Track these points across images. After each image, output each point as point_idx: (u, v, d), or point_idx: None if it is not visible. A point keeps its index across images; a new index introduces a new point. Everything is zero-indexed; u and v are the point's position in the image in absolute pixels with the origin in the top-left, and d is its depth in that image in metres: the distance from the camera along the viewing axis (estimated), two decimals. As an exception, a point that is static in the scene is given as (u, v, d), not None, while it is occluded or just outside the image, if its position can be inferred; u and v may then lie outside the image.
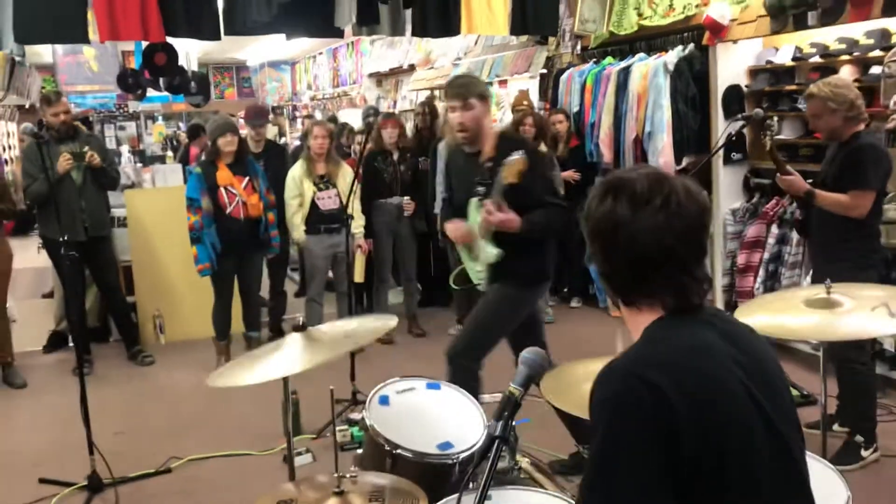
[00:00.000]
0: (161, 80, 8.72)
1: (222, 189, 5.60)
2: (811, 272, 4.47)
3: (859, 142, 3.73)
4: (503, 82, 9.25)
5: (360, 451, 2.66)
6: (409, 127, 7.49)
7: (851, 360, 3.76)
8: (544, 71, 7.87)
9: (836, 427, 3.96)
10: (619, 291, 1.54)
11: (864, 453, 3.80)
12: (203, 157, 5.96)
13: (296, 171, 5.98)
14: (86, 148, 5.65)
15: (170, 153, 11.31)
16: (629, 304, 1.53)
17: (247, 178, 5.70)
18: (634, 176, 1.49)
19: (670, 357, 1.41)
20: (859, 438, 3.65)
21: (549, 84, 7.67)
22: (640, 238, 1.44)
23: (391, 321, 2.72)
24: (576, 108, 6.94)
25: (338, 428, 4.13)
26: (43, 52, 12.05)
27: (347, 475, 2.11)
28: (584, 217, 1.55)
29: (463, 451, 2.34)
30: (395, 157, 6.40)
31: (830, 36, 5.23)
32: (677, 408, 1.33)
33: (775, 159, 3.96)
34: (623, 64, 6.52)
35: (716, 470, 1.36)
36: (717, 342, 1.47)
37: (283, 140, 11.44)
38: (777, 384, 1.54)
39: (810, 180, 3.92)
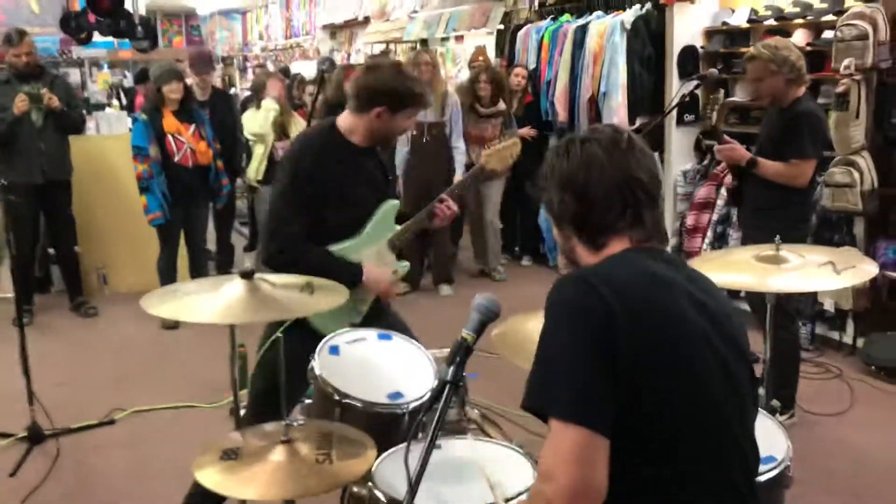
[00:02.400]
0: (105, 23, 8.42)
1: (169, 136, 5.46)
2: (741, 238, 4.52)
3: (799, 108, 3.75)
4: (460, 38, 9.16)
5: (308, 401, 2.64)
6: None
7: (778, 325, 3.80)
8: (501, 27, 7.80)
9: (760, 391, 4.03)
10: (590, 232, 1.60)
11: (779, 418, 3.86)
12: (148, 104, 5.79)
13: (251, 114, 5.90)
14: (44, 89, 5.46)
15: (115, 102, 10.97)
16: (597, 245, 1.60)
17: (193, 126, 5.57)
18: (596, 131, 1.64)
19: (626, 278, 1.49)
20: (776, 403, 3.68)
21: (505, 40, 7.60)
22: (617, 172, 1.57)
23: (342, 292, 2.46)
24: (532, 66, 6.90)
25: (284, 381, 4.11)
26: (-20, -8, 11.57)
27: (294, 423, 2.08)
28: (550, 171, 1.62)
29: (413, 401, 2.33)
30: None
31: (785, -1, 5.27)
32: (620, 322, 1.41)
33: (716, 130, 3.97)
34: (580, 21, 6.49)
35: (654, 391, 1.43)
36: (676, 278, 1.55)
37: (232, 90, 11.18)
38: (735, 334, 1.58)
39: (744, 145, 3.94)
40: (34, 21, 11.32)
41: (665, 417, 1.44)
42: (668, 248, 5.88)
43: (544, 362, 1.45)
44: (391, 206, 2.93)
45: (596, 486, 1.37)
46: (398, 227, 2.94)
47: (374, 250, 2.86)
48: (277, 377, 2.54)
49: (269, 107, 6.01)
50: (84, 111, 6.16)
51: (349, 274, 2.72)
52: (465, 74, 7.68)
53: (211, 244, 6.34)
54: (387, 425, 2.30)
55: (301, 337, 2.58)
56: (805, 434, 3.82)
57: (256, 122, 6.06)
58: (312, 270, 2.54)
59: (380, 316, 2.90)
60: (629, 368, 1.40)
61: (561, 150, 1.63)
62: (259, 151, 5.97)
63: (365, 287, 2.79)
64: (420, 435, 1.98)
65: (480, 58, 7.48)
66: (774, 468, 2.01)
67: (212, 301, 2.28)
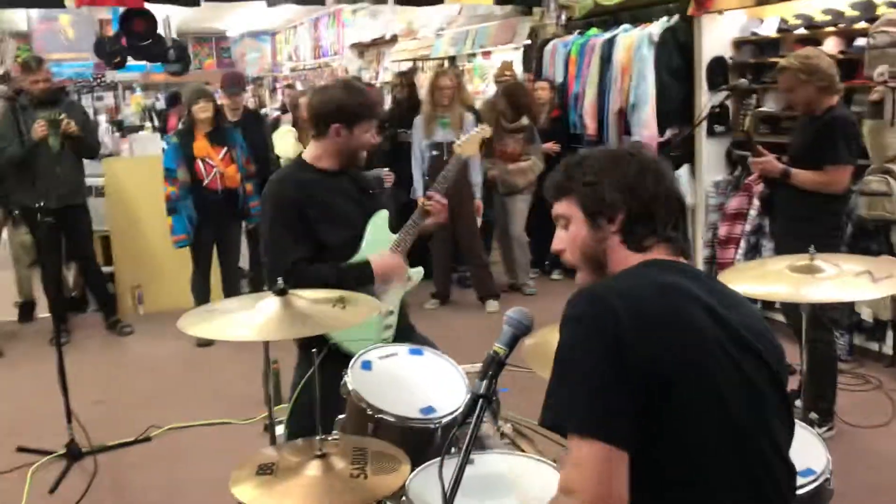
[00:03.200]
0: (138, 47, 8.58)
1: (199, 161, 5.55)
2: (774, 248, 4.48)
3: (832, 115, 3.71)
4: (487, 53, 9.19)
5: (341, 416, 2.65)
6: (389, 99, 7.42)
7: (814, 338, 3.74)
8: (528, 42, 7.82)
9: (798, 403, 3.97)
10: (640, 234, 1.62)
11: (818, 430, 3.79)
12: (181, 127, 5.90)
13: (283, 132, 5.95)
14: (62, 115, 5.56)
15: (148, 124, 11.16)
16: (641, 249, 1.62)
17: (225, 149, 5.65)
18: (637, 145, 1.80)
19: (640, 291, 1.50)
20: (814, 416, 3.62)
21: (533, 55, 7.61)
22: (672, 186, 1.65)
23: (374, 304, 2.55)
24: (560, 80, 6.90)
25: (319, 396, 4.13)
26: (17, 19, 11.83)
27: (329, 438, 2.09)
28: (605, 171, 1.64)
29: (445, 416, 2.33)
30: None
31: (816, 7, 5.21)
32: (626, 331, 1.41)
33: (750, 141, 3.95)
34: (607, 35, 6.48)
35: (671, 408, 1.42)
36: (692, 288, 1.54)
37: (263, 111, 11.31)
38: (763, 349, 1.56)
39: (776, 155, 3.91)
40: (69, 47, 11.57)
41: (683, 430, 1.43)
42: (701, 259, 5.87)
43: (561, 378, 1.46)
44: (381, 217, 2.97)
45: (616, 500, 1.37)
46: (395, 236, 2.97)
47: None
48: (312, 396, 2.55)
49: (285, 130, 6.04)
50: (98, 137, 6.25)
51: (359, 273, 2.78)
52: (492, 89, 7.70)
53: (244, 262, 6.41)
54: (420, 440, 2.30)
55: (332, 359, 2.61)
56: (845, 446, 3.75)
57: (280, 144, 6.10)
58: (323, 286, 2.58)
59: (409, 337, 2.92)
60: (644, 382, 1.40)
61: (621, 154, 1.66)
62: None
63: (381, 278, 2.84)
64: (453, 449, 1.98)
65: (507, 73, 7.50)
66: (814, 481, 1.98)
67: (247, 318, 2.30)
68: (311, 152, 2.94)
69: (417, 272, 3.05)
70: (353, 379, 2.39)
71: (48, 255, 5.41)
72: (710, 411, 1.45)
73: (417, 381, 2.52)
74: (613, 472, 1.37)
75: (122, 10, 8.02)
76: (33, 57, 5.80)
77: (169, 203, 5.54)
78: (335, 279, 2.71)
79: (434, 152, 6.06)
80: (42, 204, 4.29)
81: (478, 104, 6.96)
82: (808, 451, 2.07)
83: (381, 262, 2.85)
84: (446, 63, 9.33)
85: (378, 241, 2.92)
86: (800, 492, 1.85)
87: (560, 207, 1.70)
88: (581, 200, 1.65)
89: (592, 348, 1.42)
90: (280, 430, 2.89)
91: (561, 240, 1.70)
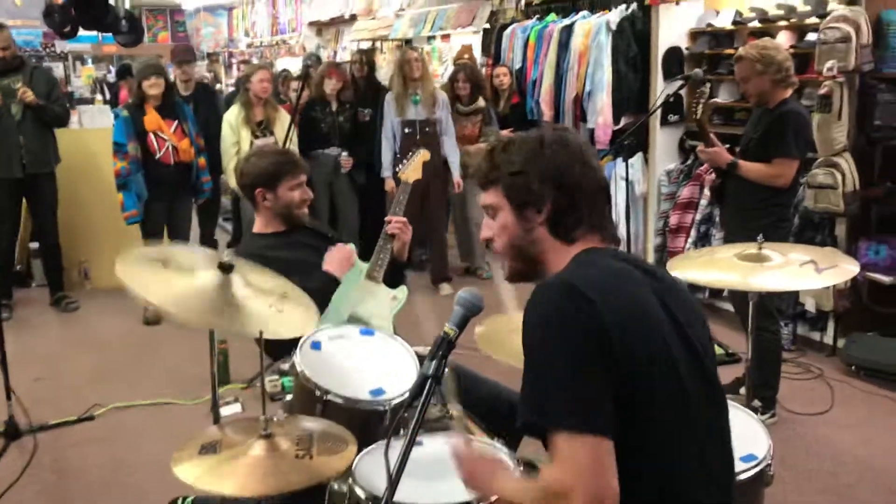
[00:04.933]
0: (89, 17, 8.33)
1: (151, 134, 5.44)
2: (723, 237, 4.55)
3: (784, 108, 3.77)
4: (446, 36, 9.14)
5: (289, 397, 2.62)
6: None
7: (760, 327, 3.80)
8: (487, 26, 7.79)
9: (742, 391, 4.04)
10: (568, 226, 1.61)
11: (761, 417, 3.88)
12: (130, 101, 5.77)
13: (231, 117, 5.82)
14: (19, 84, 5.41)
15: (98, 97, 10.89)
16: (570, 239, 1.62)
17: (176, 122, 5.55)
18: (568, 130, 1.72)
19: (600, 278, 1.51)
20: (757, 403, 3.68)
21: (491, 39, 7.58)
22: (600, 174, 1.65)
23: (312, 312, 2.46)
24: (518, 65, 6.90)
25: (268, 378, 4.08)
26: (-38, -16, 11.43)
27: (275, 418, 2.07)
28: (529, 158, 1.62)
29: (395, 398, 2.32)
30: (334, 107, 6.27)
31: (770, 1, 5.28)
32: (608, 321, 1.42)
33: (703, 129, 3.98)
34: (566, 21, 6.49)
35: (643, 390, 1.45)
36: (636, 273, 1.59)
37: (218, 86, 11.14)
38: (697, 322, 1.62)
39: (728, 145, 3.95)
40: (17, 14, 11.20)
41: (652, 414, 1.46)
42: (652, 248, 5.94)
43: (540, 376, 1.43)
44: None
45: (613, 489, 1.37)
46: (366, 264, 3.07)
47: (359, 293, 2.98)
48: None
49: (229, 118, 5.87)
50: (67, 104, 6.08)
51: (324, 285, 2.86)
52: (450, 72, 7.66)
53: (194, 240, 6.30)
54: (368, 421, 2.29)
55: None
56: (786, 433, 3.84)
57: (225, 128, 5.92)
58: None
59: None
60: (620, 366, 1.42)
61: (548, 142, 1.62)
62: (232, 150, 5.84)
63: (332, 270, 2.94)
64: (401, 431, 1.97)
65: (466, 55, 7.47)
66: (755, 466, 2.01)
67: (184, 289, 2.20)
68: (257, 224, 3.15)
69: (402, 291, 3.10)
70: (301, 359, 2.37)
71: (1, 225, 5.29)
72: (673, 395, 1.48)
73: (367, 362, 2.50)
74: (606, 463, 1.38)
75: (72, -23, 7.77)
76: None
77: (119, 179, 5.42)
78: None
79: (406, 130, 6.03)
80: None
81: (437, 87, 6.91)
82: (750, 437, 2.11)
83: (333, 262, 2.96)
84: (403, 44, 9.24)
85: (352, 274, 3.02)
86: (741, 477, 1.89)
87: (487, 197, 1.69)
88: (507, 191, 1.64)
89: (571, 342, 1.41)
90: (225, 410, 2.86)
91: (489, 227, 1.70)
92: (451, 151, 6.15)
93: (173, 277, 2.25)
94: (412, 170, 3.30)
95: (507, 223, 1.65)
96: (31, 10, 10.95)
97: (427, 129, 6.07)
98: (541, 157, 1.61)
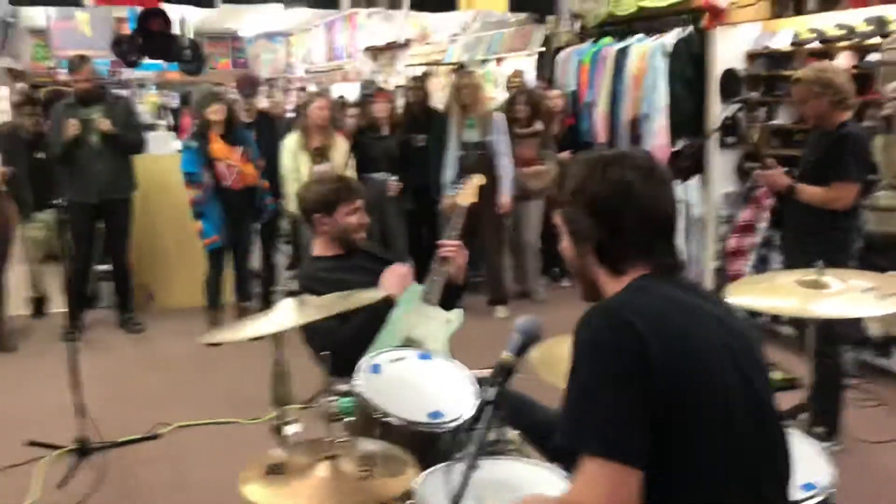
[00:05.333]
0: (155, 47, 8.64)
1: (220, 163, 5.61)
2: (783, 262, 4.48)
3: (842, 131, 3.71)
4: (499, 60, 9.22)
5: (349, 419, 2.67)
6: (401, 104, 7.45)
7: (821, 353, 3.73)
8: (542, 49, 7.84)
9: (802, 417, 3.96)
10: (613, 260, 1.60)
11: (823, 445, 3.79)
12: (194, 130, 5.97)
13: (290, 143, 5.96)
14: (97, 114, 5.65)
15: (162, 122, 11.24)
16: (618, 272, 1.60)
17: (240, 148, 5.70)
18: (629, 151, 1.66)
19: (648, 305, 1.50)
20: (820, 430, 3.60)
21: (546, 63, 7.64)
22: (651, 202, 1.58)
23: (380, 292, 2.73)
24: (572, 88, 6.93)
25: (328, 398, 4.14)
26: (36, 16, 11.91)
27: (338, 440, 2.12)
28: (578, 188, 1.61)
29: (453, 421, 2.35)
30: (385, 132, 6.37)
31: (829, 21, 5.22)
32: (652, 350, 1.42)
33: (758, 152, 3.95)
34: (621, 44, 6.50)
35: (686, 421, 1.44)
36: (699, 302, 1.57)
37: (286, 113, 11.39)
38: (756, 355, 1.61)
39: (787, 168, 3.91)
40: (87, 44, 11.62)
41: (694, 446, 1.45)
42: (711, 271, 5.87)
43: (575, 398, 1.46)
44: None
45: None
46: (422, 286, 3.10)
47: (414, 316, 3.00)
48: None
49: (288, 145, 6.01)
50: (143, 132, 6.32)
51: (372, 298, 2.85)
52: (504, 96, 7.72)
53: (255, 262, 6.45)
54: (427, 444, 2.32)
55: None
56: (850, 462, 3.74)
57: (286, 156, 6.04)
58: (355, 333, 2.84)
59: None
60: (663, 395, 1.42)
61: (594, 168, 1.60)
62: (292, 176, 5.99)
63: (388, 289, 2.97)
64: (460, 454, 2.00)
65: (516, 79, 7.53)
66: (817, 495, 1.99)
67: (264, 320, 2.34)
68: (316, 248, 3.24)
69: (458, 314, 3.11)
70: (362, 382, 2.42)
71: (77, 248, 5.62)
72: (721, 423, 1.48)
73: (426, 385, 2.54)
74: (627, 492, 1.40)
75: (139, 9, 8.08)
76: (77, 56, 5.93)
77: (196, 207, 5.62)
78: (361, 317, 2.86)
79: (461, 153, 6.10)
80: (64, 203, 4.37)
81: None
82: (811, 465, 2.08)
83: (387, 280, 3.01)
84: (459, 69, 9.37)
85: (409, 297, 3.05)
86: (802, 505, 1.87)
87: (555, 217, 1.72)
88: (563, 216, 1.67)
89: (609, 368, 1.43)
90: (288, 430, 2.92)
91: (561, 246, 1.73)
92: (505, 172, 6.17)
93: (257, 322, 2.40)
94: (467, 194, 3.32)
95: (567, 245, 1.69)
96: (101, 41, 11.39)
97: (480, 152, 6.12)
98: (586, 187, 1.60)
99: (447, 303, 3.11)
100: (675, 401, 1.43)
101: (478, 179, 3.39)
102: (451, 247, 3.10)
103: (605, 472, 1.39)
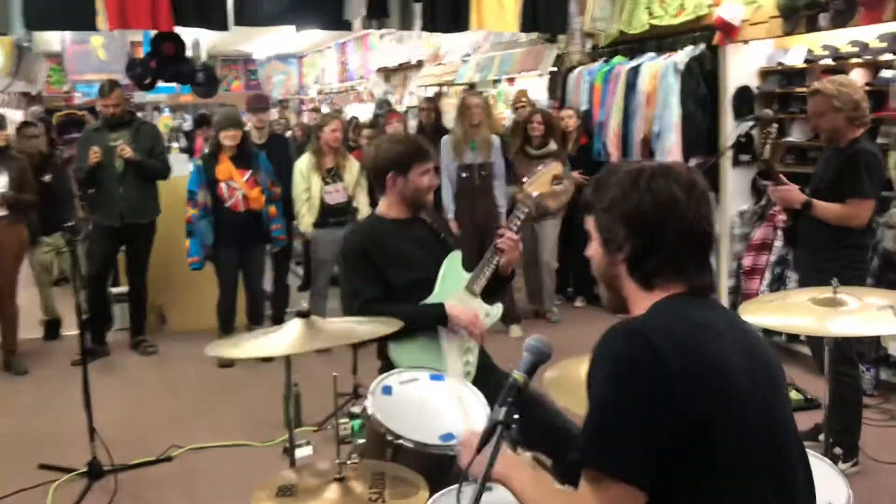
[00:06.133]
0: (168, 70, 8.71)
1: (222, 183, 5.64)
2: (798, 280, 4.44)
3: (857, 147, 3.67)
4: (511, 80, 9.24)
5: (361, 441, 2.65)
6: (413, 124, 7.48)
7: (838, 372, 3.69)
8: (554, 69, 7.86)
9: (821, 437, 3.91)
10: (646, 273, 1.57)
11: (841, 466, 3.74)
12: (206, 150, 6.00)
13: (303, 164, 5.97)
14: (120, 141, 5.70)
15: (175, 145, 11.32)
16: (648, 286, 1.58)
17: (249, 172, 5.72)
18: (674, 165, 1.62)
19: (673, 328, 1.48)
20: (838, 451, 3.55)
21: (558, 82, 7.65)
22: (692, 219, 1.54)
23: (395, 324, 2.65)
24: (584, 107, 6.93)
25: (339, 421, 4.13)
26: (51, 40, 12.05)
27: (348, 462, 2.10)
28: (617, 199, 1.58)
29: (465, 443, 2.32)
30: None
31: (842, 38, 5.20)
32: (673, 373, 1.40)
33: (771, 169, 3.91)
34: (633, 63, 6.50)
35: (705, 445, 1.42)
36: (723, 326, 1.54)
37: (289, 133, 11.47)
38: (778, 380, 1.59)
39: (800, 186, 3.88)
40: (101, 67, 11.76)
41: (716, 469, 1.44)
42: (726, 290, 5.83)
43: (601, 420, 1.45)
44: (453, 257, 3.05)
45: None
46: (470, 274, 3.03)
47: (454, 303, 2.94)
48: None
49: (300, 166, 6.03)
50: (168, 159, 6.34)
51: (434, 313, 2.88)
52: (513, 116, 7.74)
53: (267, 284, 6.45)
54: (438, 466, 2.30)
55: None
56: (869, 483, 3.70)
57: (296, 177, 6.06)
58: (400, 319, 2.70)
59: (488, 377, 2.91)
60: (685, 425, 1.40)
61: (637, 179, 1.56)
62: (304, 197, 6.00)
63: (452, 322, 2.89)
64: (472, 476, 1.97)
65: (523, 99, 7.54)
66: (836, 517, 1.96)
67: (273, 338, 2.33)
68: (382, 206, 3.16)
69: (497, 309, 3.08)
70: (373, 404, 2.40)
71: (98, 271, 5.82)
72: (739, 447, 1.46)
73: (438, 406, 2.52)
74: None
75: (153, 33, 8.15)
76: (108, 81, 6.01)
77: (189, 225, 5.65)
78: (410, 314, 2.83)
79: (464, 174, 6.10)
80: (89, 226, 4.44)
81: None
82: (829, 486, 2.05)
83: (456, 311, 2.91)
84: (467, 89, 9.41)
85: (453, 282, 3.00)
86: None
87: (587, 222, 1.68)
88: (596, 223, 1.64)
89: (625, 388, 1.42)
90: (297, 453, 2.90)
91: (590, 249, 1.69)
92: (501, 195, 6.18)
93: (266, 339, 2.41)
94: (539, 183, 3.14)
95: (596, 252, 1.65)
96: (115, 64, 11.50)
97: (483, 173, 6.12)
98: (628, 198, 1.56)
99: (491, 294, 3.06)
100: (695, 423, 1.41)
101: (552, 168, 3.17)
102: (509, 238, 3.00)
103: (602, 488, 1.40)
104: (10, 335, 5.79)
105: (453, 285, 2.98)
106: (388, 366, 2.85)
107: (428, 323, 2.86)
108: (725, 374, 1.47)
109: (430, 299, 2.94)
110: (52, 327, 6.49)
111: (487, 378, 2.88)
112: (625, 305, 1.63)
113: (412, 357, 2.83)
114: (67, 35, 11.85)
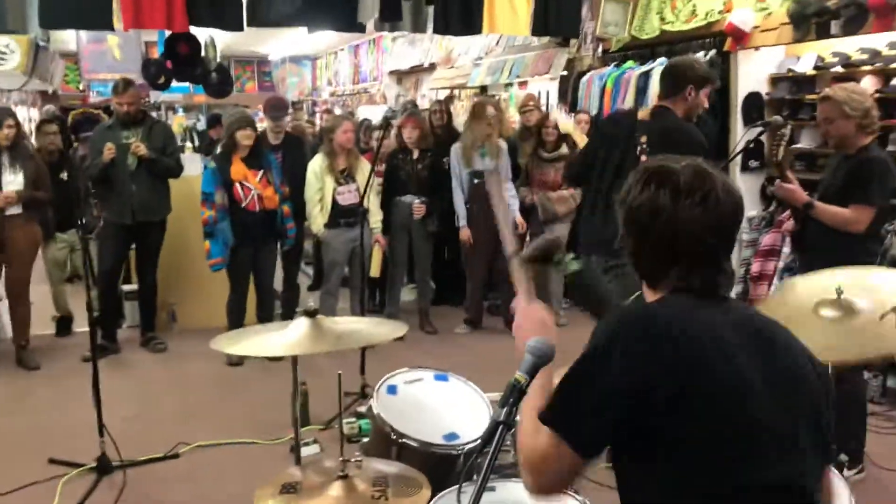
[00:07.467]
0: (183, 70, 8.77)
1: (237, 184, 5.66)
2: None
3: (867, 155, 3.66)
4: (523, 83, 9.26)
5: (366, 439, 2.68)
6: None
7: (841, 377, 3.66)
8: (565, 73, 7.87)
9: None
10: (645, 275, 1.64)
11: (846, 473, 3.73)
12: (219, 150, 6.03)
13: (316, 165, 6.01)
14: (133, 139, 5.75)
15: (189, 144, 11.39)
16: (650, 282, 1.64)
17: (261, 172, 5.76)
18: (678, 167, 1.58)
19: (674, 320, 1.51)
20: (843, 457, 3.54)
21: (569, 86, 7.66)
22: (677, 229, 1.54)
23: (402, 328, 2.66)
24: (595, 111, 6.94)
25: (345, 420, 4.16)
26: (67, 39, 12.14)
27: (352, 460, 2.12)
28: (621, 201, 1.64)
29: (468, 443, 2.35)
30: (415, 155, 6.41)
31: (852, 46, 5.20)
32: (667, 362, 1.44)
33: (781, 166, 3.91)
34: (644, 68, 6.52)
35: (688, 427, 1.44)
36: (725, 327, 1.53)
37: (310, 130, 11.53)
38: (796, 381, 1.57)
39: (808, 192, 3.88)
40: (116, 67, 11.84)
41: (709, 450, 1.46)
42: (733, 295, 5.82)
43: (577, 380, 1.51)
44: None
45: (560, 491, 1.58)
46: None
47: None
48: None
49: (313, 167, 6.08)
50: (181, 158, 6.38)
51: None
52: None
53: (277, 283, 6.49)
54: (442, 465, 2.33)
55: None
56: (875, 490, 3.69)
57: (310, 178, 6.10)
58: None
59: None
60: (664, 405, 1.43)
61: (639, 178, 1.60)
62: (316, 197, 6.04)
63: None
64: (474, 476, 2.00)
65: (530, 103, 7.55)
66: (835, 523, 1.96)
67: (279, 337, 2.35)
68: (673, 106, 3.86)
69: (571, 258, 3.20)
70: (378, 403, 2.43)
71: (110, 268, 5.86)
72: (738, 440, 1.47)
73: (442, 406, 2.55)
74: (571, 478, 1.53)
75: (167, 33, 8.22)
76: (122, 79, 6.05)
77: (206, 227, 5.66)
78: None
79: (475, 180, 6.14)
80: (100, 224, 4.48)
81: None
82: (832, 493, 2.05)
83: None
84: (480, 92, 9.43)
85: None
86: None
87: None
88: (620, 218, 1.67)
89: (607, 365, 1.47)
90: (304, 451, 2.93)
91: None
92: (511, 195, 6.18)
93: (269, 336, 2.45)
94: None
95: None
96: (130, 64, 11.59)
97: (493, 178, 6.13)
98: (629, 196, 1.60)
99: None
100: (682, 414, 1.44)
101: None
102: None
103: (559, 450, 1.49)
104: (22, 331, 5.84)
105: None
106: None
107: None
108: (718, 372, 1.47)
109: None
110: (63, 324, 6.54)
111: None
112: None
113: None
114: (83, 35, 11.94)
